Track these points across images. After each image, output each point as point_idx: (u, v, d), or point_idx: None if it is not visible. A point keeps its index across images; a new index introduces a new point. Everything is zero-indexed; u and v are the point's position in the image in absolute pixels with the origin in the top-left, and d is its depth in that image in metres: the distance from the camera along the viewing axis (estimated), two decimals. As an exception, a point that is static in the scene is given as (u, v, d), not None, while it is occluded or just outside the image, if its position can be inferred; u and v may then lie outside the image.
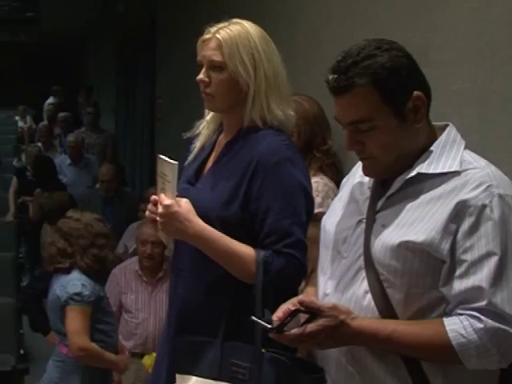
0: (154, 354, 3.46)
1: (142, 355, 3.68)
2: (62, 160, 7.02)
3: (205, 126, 2.06)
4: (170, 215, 1.80)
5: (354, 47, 1.55)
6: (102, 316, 3.03)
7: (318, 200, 2.36)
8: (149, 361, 3.50)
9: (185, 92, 5.40)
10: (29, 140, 10.17)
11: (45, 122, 9.67)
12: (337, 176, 2.67)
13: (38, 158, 7.09)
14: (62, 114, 9.45)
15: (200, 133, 2.06)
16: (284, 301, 1.66)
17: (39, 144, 8.22)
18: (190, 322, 1.92)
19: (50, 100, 11.79)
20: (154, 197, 1.87)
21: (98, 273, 3.09)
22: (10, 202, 6.77)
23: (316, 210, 2.04)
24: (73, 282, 2.94)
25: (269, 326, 1.54)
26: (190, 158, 2.05)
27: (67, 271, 2.99)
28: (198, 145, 2.05)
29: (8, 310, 4.09)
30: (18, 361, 3.84)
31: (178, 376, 1.86)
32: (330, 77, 1.54)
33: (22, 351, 4.15)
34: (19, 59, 18.55)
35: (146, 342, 3.72)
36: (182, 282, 1.97)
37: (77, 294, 2.91)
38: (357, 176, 1.70)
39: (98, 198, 5.89)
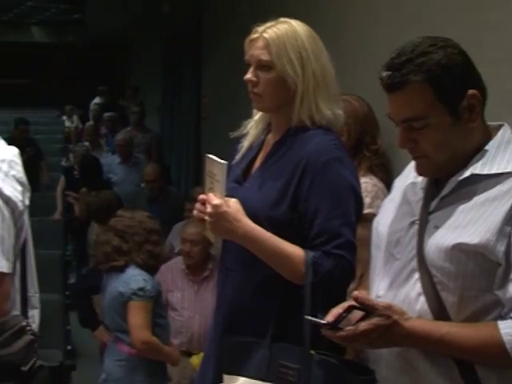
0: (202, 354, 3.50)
1: (187, 353, 3.70)
2: (111, 159, 7.08)
3: (253, 125, 2.05)
4: (219, 215, 1.80)
5: (408, 44, 1.53)
6: (160, 310, 3.10)
7: (367, 201, 2.33)
8: (196, 360, 3.52)
9: (231, 91, 5.40)
10: (75, 140, 10.32)
11: (91, 122, 9.80)
12: (386, 176, 2.64)
13: (85, 158, 7.19)
14: (107, 114, 9.56)
15: (248, 132, 2.05)
16: (332, 301, 1.64)
17: (86, 143, 8.32)
18: (237, 322, 1.92)
19: (96, 100, 11.95)
20: (202, 196, 1.87)
21: (153, 269, 3.15)
22: (57, 201, 6.88)
23: (365, 211, 2.01)
24: (135, 278, 3.00)
25: (323, 321, 1.53)
26: (238, 157, 2.04)
27: (122, 269, 3.04)
28: (245, 144, 2.04)
29: (56, 307, 4.13)
30: (65, 356, 3.87)
31: (225, 376, 1.86)
32: (384, 74, 1.52)
33: (69, 347, 4.19)
34: (66, 60, 18.86)
35: (191, 340, 3.74)
36: (230, 281, 1.97)
37: (140, 289, 2.96)
38: (410, 177, 1.68)
39: (143, 197, 5.93)
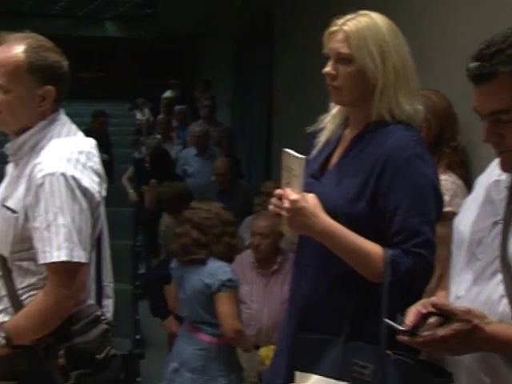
0: (272, 347, 3.50)
1: (255, 346, 3.70)
2: (188, 151, 7.13)
3: (330, 120, 2.02)
4: (297, 210, 1.78)
5: (497, 35, 1.47)
6: (238, 300, 3.17)
7: (446, 198, 2.27)
8: (265, 352, 3.53)
9: (303, 85, 5.37)
10: (147, 132, 10.44)
11: (162, 115, 9.89)
12: (465, 173, 2.58)
13: (156, 150, 7.27)
14: (178, 107, 9.63)
15: (324, 127, 2.02)
16: (410, 301, 1.61)
17: (158, 136, 8.41)
18: (312, 319, 1.89)
19: (168, 93, 12.06)
20: (279, 191, 1.85)
21: (231, 260, 3.18)
22: (126, 187, 7.01)
23: (444, 209, 1.96)
24: (222, 269, 3.05)
25: (402, 328, 1.49)
26: (315, 152, 2.01)
27: (203, 261, 3.08)
28: (322, 139, 2.01)
29: (126, 296, 4.19)
30: (134, 345, 3.93)
31: (297, 373, 1.85)
32: (472, 65, 1.47)
33: (138, 336, 4.25)
34: (138, 54, 19.16)
35: (259, 333, 3.74)
36: (305, 278, 1.94)
37: (229, 280, 3.03)
38: (493, 174, 1.62)
39: (213, 190, 5.97)
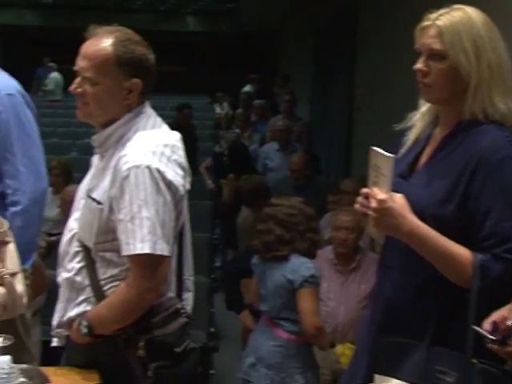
0: (348, 345, 3.46)
1: (330, 344, 3.67)
2: (269, 146, 7.14)
3: (419, 117, 1.95)
4: (384, 210, 1.73)
5: None
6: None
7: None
8: (340, 350, 3.49)
9: (387, 82, 5.28)
10: (226, 126, 10.51)
11: (241, 109, 9.94)
12: None
13: (235, 144, 7.31)
14: (257, 102, 9.66)
15: (413, 125, 1.96)
16: (497, 308, 1.54)
17: (237, 130, 8.45)
18: (394, 322, 1.85)
19: (247, 88, 12.12)
20: (365, 190, 1.80)
21: (313, 256, 3.15)
22: (204, 176, 7.09)
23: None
24: (305, 265, 3.03)
25: (492, 337, 1.43)
26: (403, 151, 1.95)
27: (286, 257, 3.06)
28: (411, 137, 1.95)
29: (202, 289, 4.22)
30: (208, 338, 3.96)
31: (376, 376, 1.81)
32: None
33: (212, 329, 4.28)
34: (218, 48, 19.33)
35: (335, 331, 3.70)
36: (389, 280, 1.89)
37: (311, 276, 3.00)
38: None
39: (289, 185, 5.95)
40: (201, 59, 19.75)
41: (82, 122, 2.13)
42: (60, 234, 4.11)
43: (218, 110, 12.20)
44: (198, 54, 19.85)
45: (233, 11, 16.24)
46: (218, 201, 6.62)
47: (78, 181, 2.25)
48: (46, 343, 2.58)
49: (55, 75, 13.85)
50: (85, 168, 2.22)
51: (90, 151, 2.19)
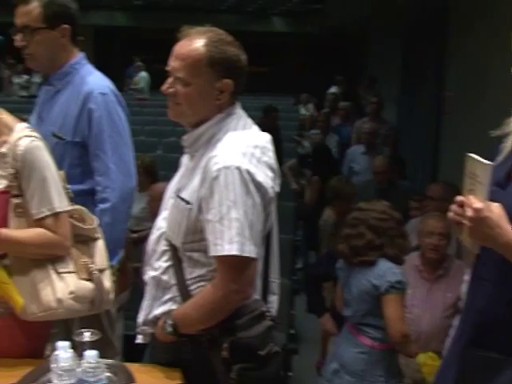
0: (430, 354, 3.37)
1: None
2: (356, 148, 7.07)
3: (517, 124, 1.87)
4: (480, 220, 1.66)
5: None
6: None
7: None
8: (422, 359, 3.40)
9: (479, 86, 5.12)
10: (310, 128, 10.47)
11: (326, 110, 9.90)
12: None
13: (318, 146, 7.29)
14: (343, 104, 9.58)
15: (511, 131, 1.88)
16: None
17: (318, 131, 8.41)
18: (486, 337, 1.78)
19: (333, 89, 12.04)
20: (460, 198, 1.73)
21: (401, 262, 3.10)
22: (287, 177, 7.08)
23: None
24: (392, 271, 2.98)
25: None
26: (500, 158, 1.87)
27: (373, 263, 3.02)
28: (509, 144, 1.87)
29: (283, 291, 4.21)
30: (288, 340, 3.95)
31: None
32: None
33: (292, 331, 4.27)
34: (303, 49, 19.30)
35: (418, 339, 3.61)
36: (481, 292, 1.82)
37: (398, 282, 2.96)
38: None
39: (371, 189, 5.87)
40: (286, 60, 19.76)
41: (168, 120, 2.15)
42: (142, 231, 4.21)
43: (302, 111, 12.16)
44: (283, 55, 19.88)
45: (319, 12, 16.18)
46: (301, 202, 6.60)
47: (163, 179, 2.27)
48: (128, 337, 2.63)
49: (144, 74, 14.16)
50: (170, 166, 2.24)
51: (175, 149, 2.21)
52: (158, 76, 2.08)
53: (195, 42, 1.98)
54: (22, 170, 2.06)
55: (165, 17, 17.45)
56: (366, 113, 8.46)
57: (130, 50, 17.28)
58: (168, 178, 2.23)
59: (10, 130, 2.11)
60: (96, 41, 18.19)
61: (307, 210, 6.38)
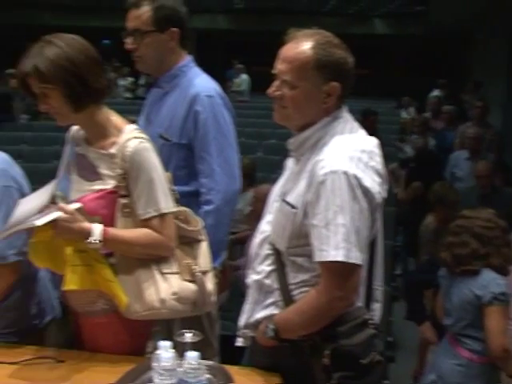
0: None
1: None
2: (459, 154, 6.89)
3: None
4: None
5: None
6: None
7: None
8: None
9: None
10: (411, 132, 10.27)
11: (427, 114, 9.68)
12: None
13: (422, 151, 7.13)
14: (446, 108, 9.34)
15: None
16: None
17: (416, 136, 8.22)
18: None
19: (435, 93, 11.75)
20: None
21: (506, 273, 2.98)
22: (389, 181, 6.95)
23: None
24: (496, 282, 2.89)
25: None
26: None
27: (477, 272, 2.93)
28: None
29: (383, 297, 4.16)
30: (386, 347, 3.88)
31: None
32: None
33: (390, 338, 4.20)
34: (405, 52, 18.99)
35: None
36: None
37: (502, 294, 2.85)
38: None
39: (474, 195, 5.70)
40: (388, 62, 19.50)
41: (268, 122, 2.14)
42: (236, 233, 4.24)
43: (403, 114, 11.94)
44: (386, 58, 19.62)
45: (422, 14, 15.85)
46: (402, 207, 6.48)
47: (262, 181, 2.26)
48: (225, 337, 2.63)
49: (245, 77, 14.29)
50: (269, 168, 2.23)
51: (275, 152, 2.20)
52: (258, 78, 2.07)
53: (302, 45, 1.96)
54: (130, 171, 2.10)
55: (266, 20, 17.57)
56: (469, 117, 8.21)
57: (230, 53, 17.50)
58: (267, 180, 2.23)
59: (119, 131, 2.15)
60: (198, 44, 18.54)
61: (407, 215, 6.26)
